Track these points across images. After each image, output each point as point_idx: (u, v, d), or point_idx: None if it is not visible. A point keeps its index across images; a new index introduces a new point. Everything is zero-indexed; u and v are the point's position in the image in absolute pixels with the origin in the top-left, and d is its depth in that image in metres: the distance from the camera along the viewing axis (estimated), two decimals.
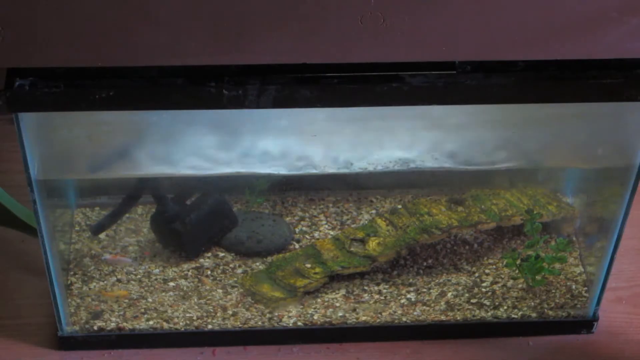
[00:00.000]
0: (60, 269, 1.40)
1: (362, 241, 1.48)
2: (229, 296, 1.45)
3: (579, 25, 1.13)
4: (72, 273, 1.47)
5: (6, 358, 1.42)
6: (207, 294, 1.45)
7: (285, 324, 1.44)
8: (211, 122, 1.28)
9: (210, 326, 1.44)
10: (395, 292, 1.47)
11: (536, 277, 1.46)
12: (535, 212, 1.46)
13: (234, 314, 1.44)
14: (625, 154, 1.32)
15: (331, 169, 1.36)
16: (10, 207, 1.45)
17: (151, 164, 1.33)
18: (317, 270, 1.46)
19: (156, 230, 1.49)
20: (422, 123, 1.31)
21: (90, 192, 1.51)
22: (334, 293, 1.47)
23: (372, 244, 1.47)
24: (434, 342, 1.46)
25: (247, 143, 1.32)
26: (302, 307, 1.45)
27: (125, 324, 1.43)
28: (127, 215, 1.50)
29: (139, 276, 1.47)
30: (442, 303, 1.46)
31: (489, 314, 1.45)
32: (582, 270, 1.49)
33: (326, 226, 1.53)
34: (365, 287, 1.47)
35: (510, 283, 1.47)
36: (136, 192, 1.48)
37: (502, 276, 1.48)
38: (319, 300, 1.46)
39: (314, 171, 1.35)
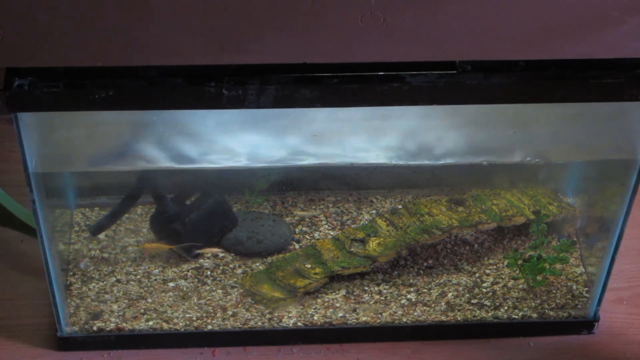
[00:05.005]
0: (60, 270, 1.40)
1: (362, 241, 1.47)
2: (228, 296, 1.45)
3: (579, 24, 1.13)
4: (71, 273, 1.46)
5: (5, 358, 1.42)
6: (206, 294, 1.45)
7: (285, 325, 1.44)
8: (211, 117, 1.28)
9: (210, 327, 1.43)
10: (396, 293, 1.46)
11: (537, 277, 1.45)
12: (542, 213, 1.46)
13: (234, 315, 1.44)
14: (625, 154, 1.32)
15: (332, 161, 1.35)
16: (10, 208, 1.45)
17: (151, 159, 1.32)
18: (317, 270, 1.45)
19: (156, 231, 1.49)
20: (425, 120, 1.31)
21: (89, 192, 1.51)
22: (334, 293, 1.46)
23: (373, 244, 1.46)
24: (435, 342, 1.45)
25: (247, 138, 1.32)
26: (302, 307, 1.45)
27: (124, 324, 1.42)
28: (126, 215, 1.50)
29: (138, 276, 1.46)
30: (443, 303, 1.46)
31: (490, 314, 1.45)
32: (583, 270, 1.49)
33: (326, 226, 1.52)
34: (366, 288, 1.47)
35: (510, 283, 1.47)
36: (136, 191, 1.47)
37: (503, 276, 1.48)
38: (319, 300, 1.46)
39: (313, 163, 1.35)
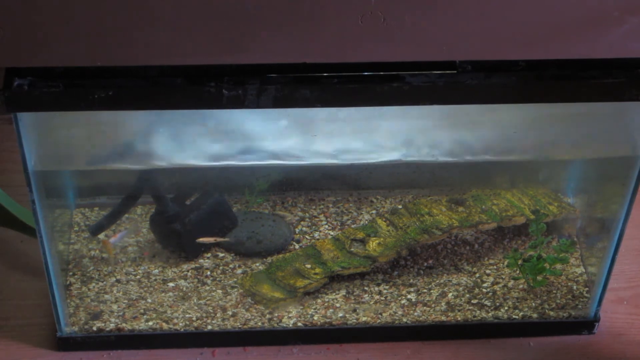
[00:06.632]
0: (60, 270, 1.40)
1: (363, 241, 1.47)
2: (228, 297, 1.45)
3: (580, 24, 1.12)
4: (71, 274, 1.46)
5: (5, 358, 1.42)
6: (206, 294, 1.45)
7: (285, 325, 1.44)
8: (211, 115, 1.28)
9: (209, 327, 1.43)
10: (396, 293, 1.46)
11: (537, 277, 1.45)
12: (541, 212, 1.46)
13: (234, 315, 1.44)
14: (625, 154, 1.32)
15: (332, 160, 1.35)
16: (9, 208, 1.45)
17: (151, 157, 1.32)
18: (317, 270, 1.45)
19: (155, 231, 1.49)
20: (426, 119, 1.31)
21: (89, 192, 1.51)
22: (334, 293, 1.46)
23: (373, 244, 1.46)
24: (435, 342, 1.45)
25: (248, 136, 1.32)
26: (302, 307, 1.45)
27: (124, 324, 1.42)
28: (126, 215, 1.50)
29: (138, 276, 1.46)
30: (443, 303, 1.46)
31: (490, 314, 1.45)
32: (583, 270, 1.49)
33: (326, 226, 1.52)
34: (366, 288, 1.47)
35: (511, 283, 1.47)
36: (135, 191, 1.47)
37: (503, 276, 1.48)
38: (319, 300, 1.45)
39: (314, 162, 1.35)
